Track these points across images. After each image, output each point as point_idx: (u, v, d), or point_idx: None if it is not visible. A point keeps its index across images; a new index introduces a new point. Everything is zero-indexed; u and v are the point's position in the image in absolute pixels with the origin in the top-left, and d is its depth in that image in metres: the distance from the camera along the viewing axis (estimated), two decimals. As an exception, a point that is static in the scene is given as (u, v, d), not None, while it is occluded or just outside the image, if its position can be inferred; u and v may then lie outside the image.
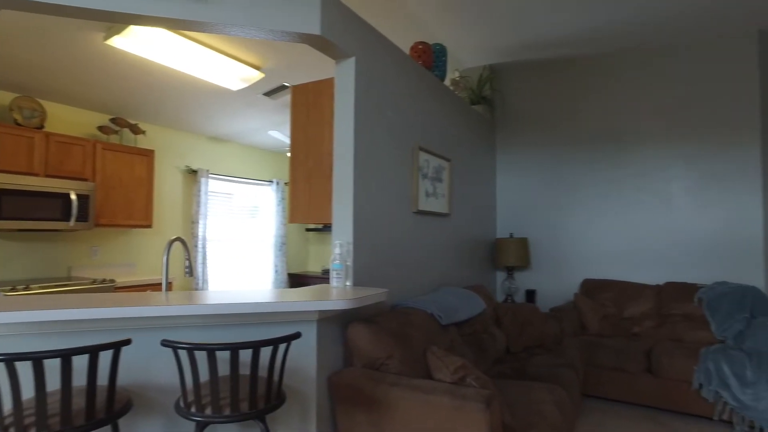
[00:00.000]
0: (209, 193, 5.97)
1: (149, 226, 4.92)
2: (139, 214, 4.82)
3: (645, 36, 4.17)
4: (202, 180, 5.72)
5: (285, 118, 5.40)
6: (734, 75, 4.11)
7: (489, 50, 4.51)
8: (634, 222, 4.39)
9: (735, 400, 3.06)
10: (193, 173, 5.76)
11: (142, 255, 5.17)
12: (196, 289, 5.59)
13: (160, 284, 4.75)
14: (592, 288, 4.27)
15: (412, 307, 2.66)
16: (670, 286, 4.03)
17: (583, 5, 3.63)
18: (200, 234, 5.65)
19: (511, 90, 5.00)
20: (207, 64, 3.76)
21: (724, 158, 4.11)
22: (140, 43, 3.30)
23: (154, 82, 4.15)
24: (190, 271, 2.57)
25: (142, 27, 2.92)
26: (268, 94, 4.64)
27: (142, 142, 5.15)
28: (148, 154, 4.91)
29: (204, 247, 5.69)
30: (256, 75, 4.14)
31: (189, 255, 2.54)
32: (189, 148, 5.79)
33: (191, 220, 5.72)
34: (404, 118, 3.09)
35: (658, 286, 4.11)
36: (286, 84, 4.46)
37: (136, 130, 4.87)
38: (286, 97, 4.73)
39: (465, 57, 4.70)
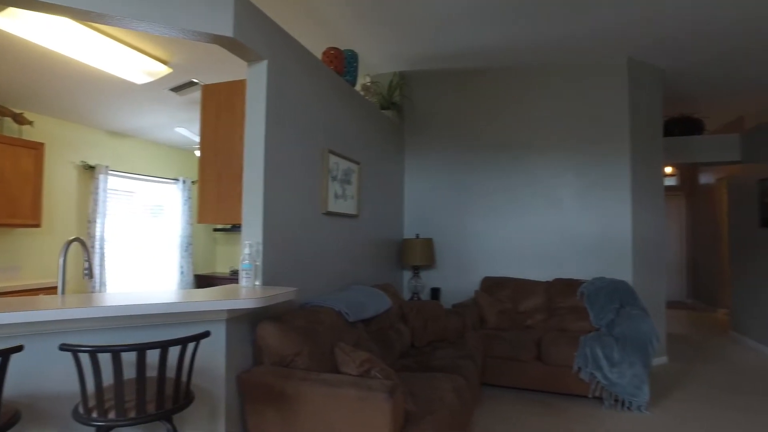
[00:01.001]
0: (108, 191, 5.62)
1: (37, 225, 4.54)
2: (24, 212, 4.43)
3: (541, 54, 4.57)
4: (101, 177, 5.37)
5: (194, 115, 5.24)
6: (610, 96, 4.65)
7: (399, 58, 4.71)
8: (530, 224, 4.80)
9: (605, 378, 3.48)
10: (90, 169, 5.39)
11: (28, 257, 4.75)
12: (93, 292, 5.24)
13: (49, 288, 4.40)
14: (491, 285, 4.61)
15: (320, 306, 2.74)
16: (558, 282, 4.47)
17: (486, 24, 3.92)
18: (98, 234, 5.31)
19: (421, 97, 5.24)
20: (107, 54, 3.55)
21: (604, 168, 4.63)
22: (26, 24, 2.99)
23: (44, 69, 3.85)
24: (90, 272, 2.46)
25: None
26: (176, 89, 4.49)
27: (30, 133, 4.74)
28: (36, 147, 4.53)
29: (102, 248, 5.35)
30: (163, 69, 3.99)
31: (89, 256, 2.42)
32: (86, 143, 5.41)
33: (87, 219, 5.35)
34: (315, 121, 3.17)
35: (548, 282, 4.54)
36: (195, 81, 4.34)
37: (21, 120, 4.47)
38: (195, 94, 4.60)
39: (376, 63, 4.86)
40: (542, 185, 4.78)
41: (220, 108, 2.80)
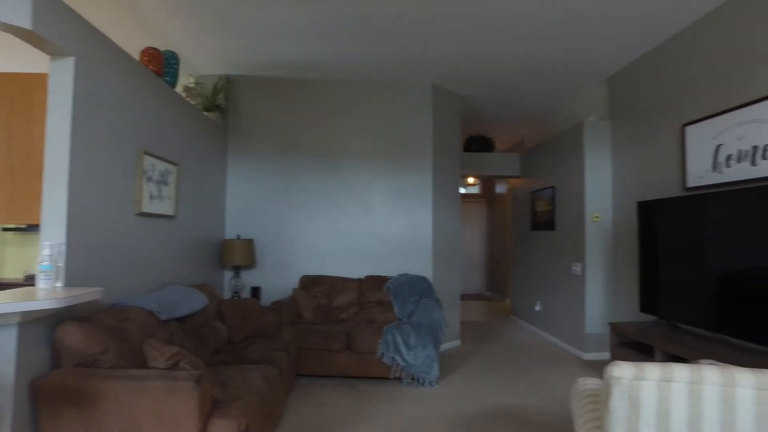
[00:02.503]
0: None
1: None
2: None
3: (359, 71, 5.06)
4: None
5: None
6: (418, 114, 5.35)
7: (226, 61, 4.78)
8: (346, 225, 5.26)
9: (404, 361, 4.05)
10: None
11: None
12: None
13: None
14: (308, 283, 4.94)
15: (130, 305, 2.75)
16: (369, 279, 5.00)
17: (308, 39, 4.24)
18: None
19: (246, 101, 5.35)
20: None
21: (410, 177, 5.30)
22: None
23: None
24: None
25: None
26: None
27: None
28: None
29: None
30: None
31: None
32: None
33: None
34: (130, 121, 3.13)
35: (360, 279, 5.04)
36: (-20, 61, 3.87)
37: None
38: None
39: (201, 64, 4.85)
40: (357, 190, 5.28)
41: (13, 100, 2.62)
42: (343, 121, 5.34)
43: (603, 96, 5.37)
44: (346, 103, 5.35)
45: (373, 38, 4.20)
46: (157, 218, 3.55)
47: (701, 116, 3.70)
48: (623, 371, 1.40)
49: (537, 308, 6.34)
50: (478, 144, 7.35)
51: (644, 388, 1.36)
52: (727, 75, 3.48)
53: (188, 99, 4.38)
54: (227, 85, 5.18)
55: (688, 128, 3.80)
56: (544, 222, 6.18)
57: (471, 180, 10.19)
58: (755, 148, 3.15)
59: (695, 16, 3.73)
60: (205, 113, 4.70)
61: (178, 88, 4.34)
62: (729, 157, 3.37)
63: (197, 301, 3.35)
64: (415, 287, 4.78)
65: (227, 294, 5.12)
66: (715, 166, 3.50)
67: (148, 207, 3.34)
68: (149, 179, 3.36)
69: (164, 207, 3.62)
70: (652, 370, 1.38)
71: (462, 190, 10.94)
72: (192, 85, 4.58)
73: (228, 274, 5.16)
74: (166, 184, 3.63)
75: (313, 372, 4.21)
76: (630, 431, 1.39)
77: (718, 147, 3.48)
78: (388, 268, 5.25)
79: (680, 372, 1.35)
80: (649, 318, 4.26)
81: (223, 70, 5.04)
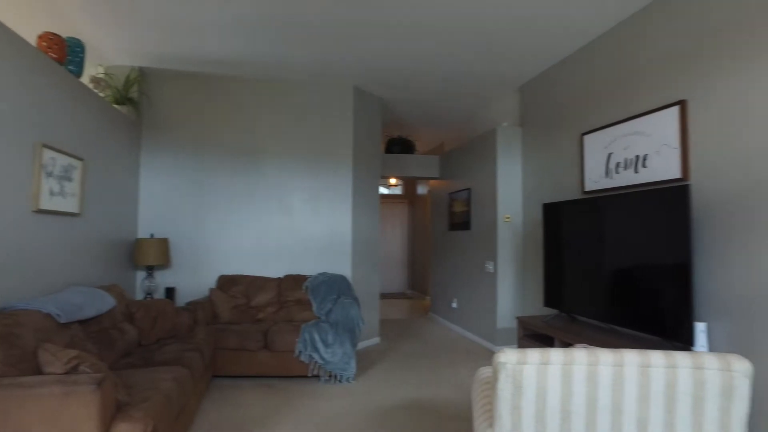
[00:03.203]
0: None
1: None
2: None
3: (280, 70, 5.02)
4: None
5: None
6: (338, 115, 5.42)
7: (138, 53, 4.56)
8: (264, 225, 5.21)
9: (321, 359, 4.10)
10: None
11: None
12: None
13: None
14: (226, 282, 4.85)
15: (23, 308, 2.58)
16: (288, 278, 4.99)
17: (227, 36, 4.15)
18: None
19: (162, 95, 5.14)
20: None
21: (330, 177, 5.35)
22: None
23: None
24: None
25: None
26: None
27: None
28: None
29: None
30: None
31: None
32: None
33: None
34: (25, 113, 2.93)
35: (279, 278, 5.02)
36: None
37: None
38: None
39: (111, 55, 4.60)
40: (276, 189, 5.25)
41: None
42: (262, 120, 5.28)
43: (515, 104, 5.71)
44: (266, 101, 5.30)
45: (293, 37, 4.20)
46: (58, 216, 3.34)
47: (596, 126, 4.07)
48: (508, 357, 1.55)
49: (454, 305, 6.61)
50: (399, 146, 7.53)
51: (526, 371, 1.52)
52: (617, 90, 3.85)
53: (96, 90, 4.15)
54: (141, 77, 4.95)
55: (586, 137, 4.16)
56: (461, 222, 6.45)
57: (393, 181, 10.41)
58: (637, 157, 3.52)
59: (594, 34, 4.08)
60: (116, 106, 4.46)
61: (85, 79, 4.09)
62: (618, 165, 3.74)
63: (103, 302, 3.19)
64: (334, 286, 4.83)
65: (140, 295, 4.89)
66: (607, 172, 3.86)
67: (47, 204, 3.14)
68: (49, 174, 3.16)
69: (67, 204, 3.42)
70: (533, 354, 1.54)
71: (384, 191, 11.15)
72: (101, 75, 4.34)
73: (141, 275, 4.93)
74: (69, 180, 3.43)
75: (229, 372, 4.15)
76: (514, 409, 1.53)
77: (609, 155, 3.84)
78: (308, 267, 5.27)
79: (555, 355, 1.52)
80: (552, 312, 4.61)
81: (136, 62, 4.80)
